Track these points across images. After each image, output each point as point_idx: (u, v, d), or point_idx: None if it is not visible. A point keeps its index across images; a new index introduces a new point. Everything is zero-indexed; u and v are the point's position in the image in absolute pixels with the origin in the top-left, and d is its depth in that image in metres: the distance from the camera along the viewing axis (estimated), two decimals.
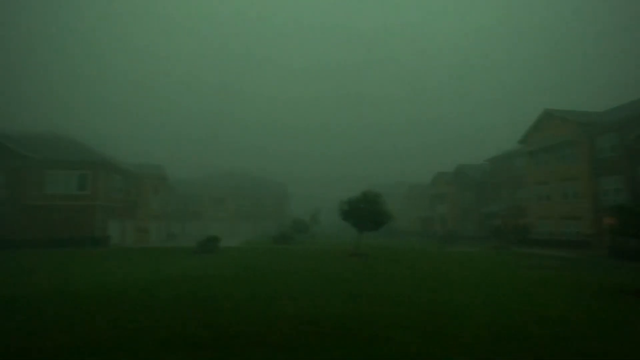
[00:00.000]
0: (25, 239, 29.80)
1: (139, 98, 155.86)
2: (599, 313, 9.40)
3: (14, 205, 31.40)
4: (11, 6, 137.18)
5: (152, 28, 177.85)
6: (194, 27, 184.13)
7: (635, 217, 12.74)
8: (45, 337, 6.88)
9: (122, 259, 21.71)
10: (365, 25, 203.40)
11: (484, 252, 29.14)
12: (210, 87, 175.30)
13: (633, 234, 12.96)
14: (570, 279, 15.22)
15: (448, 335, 7.19)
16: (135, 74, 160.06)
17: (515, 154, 43.02)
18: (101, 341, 6.68)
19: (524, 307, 9.78)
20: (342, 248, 31.00)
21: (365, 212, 24.63)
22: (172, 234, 52.57)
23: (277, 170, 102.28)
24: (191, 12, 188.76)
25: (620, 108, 32.81)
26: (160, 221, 48.96)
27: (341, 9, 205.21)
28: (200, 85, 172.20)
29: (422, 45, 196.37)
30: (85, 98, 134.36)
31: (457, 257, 24.96)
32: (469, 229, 50.64)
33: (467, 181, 51.81)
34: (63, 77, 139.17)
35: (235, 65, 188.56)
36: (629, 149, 27.62)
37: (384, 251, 28.72)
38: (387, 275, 15.54)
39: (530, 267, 19.46)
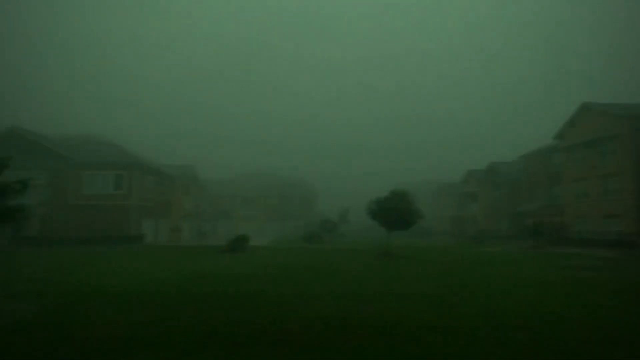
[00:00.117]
0: (66, 237, 31.19)
1: (169, 99, 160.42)
2: None
3: (56, 205, 32.94)
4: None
5: (173, 25, 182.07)
6: (218, 22, 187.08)
7: None
8: (91, 330, 7.15)
9: (157, 257, 22.35)
10: (396, 20, 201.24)
11: (519, 252, 28.20)
12: (238, 84, 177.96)
13: None
14: (615, 280, 14.47)
15: (478, 337, 6.96)
16: (161, 75, 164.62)
17: (551, 149, 41.46)
18: (143, 336, 6.88)
19: (565, 311, 9.35)
20: (371, 247, 30.78)
21: (394, 211, 24.39)
22: (203, 232, 53.75)
23: (306, 167, 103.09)
24: (218, 5, 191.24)
25: None
26: (191, 220, 50.18)
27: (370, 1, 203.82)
28: (228, 83, 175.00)
29: (453, 36, 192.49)
30: (114, 99, 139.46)
31: (489, 256, 24.27)
32: (501, 228, 49.23)
33: (499, 179, 50.40)
34: (95, 78, 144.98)
35: (263, 60, 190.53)
36: None
37: (413, 250, 28.31)
38: (417, 275, 15.28)
39: (568, 267, 18.66)
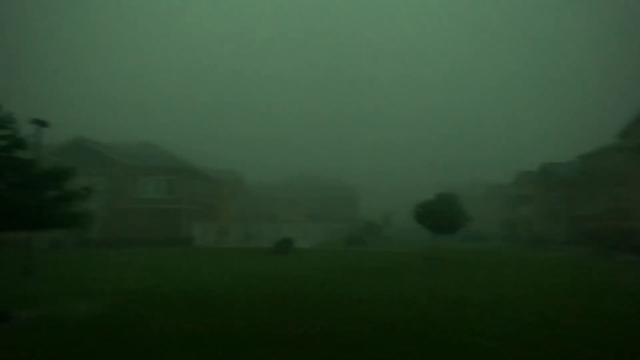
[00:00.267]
0: (121, 239, 32.97)
1: (221, 103, 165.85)
2: None
3: (114, 209, 34.94)
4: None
5: (216, 28, 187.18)
6: (254, 21, 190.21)
7: None
8: (148, 328, 7.41)
9: (208, 259, 23.09)
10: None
11: (578, 259, 26.35)
12: (284, 83, 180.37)
13: None
14: None
15: (530, 345, 6.45)
16: (207, 79, 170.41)
17: (615, 148, 38.48)
18: (200, 335, 7.10)
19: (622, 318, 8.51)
20: (416, 251, 30.00)
21: (440, 214, 23.80)
22: (249, 235, 54.94)
23: (349, 165, 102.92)
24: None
25: None
26: (238, 223, 51.47)
27: None
28: (271, 83, 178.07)
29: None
30: (165, 103, 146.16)
31: (545, 263, 22.87)
32: (558, 232, 46.31)
33: (555, 180, 47.58)
34: (132, 83, 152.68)
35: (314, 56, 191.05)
36: None
37: (461, 255, 27.26)
38: (464, 280, 14.65)
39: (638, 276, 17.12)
